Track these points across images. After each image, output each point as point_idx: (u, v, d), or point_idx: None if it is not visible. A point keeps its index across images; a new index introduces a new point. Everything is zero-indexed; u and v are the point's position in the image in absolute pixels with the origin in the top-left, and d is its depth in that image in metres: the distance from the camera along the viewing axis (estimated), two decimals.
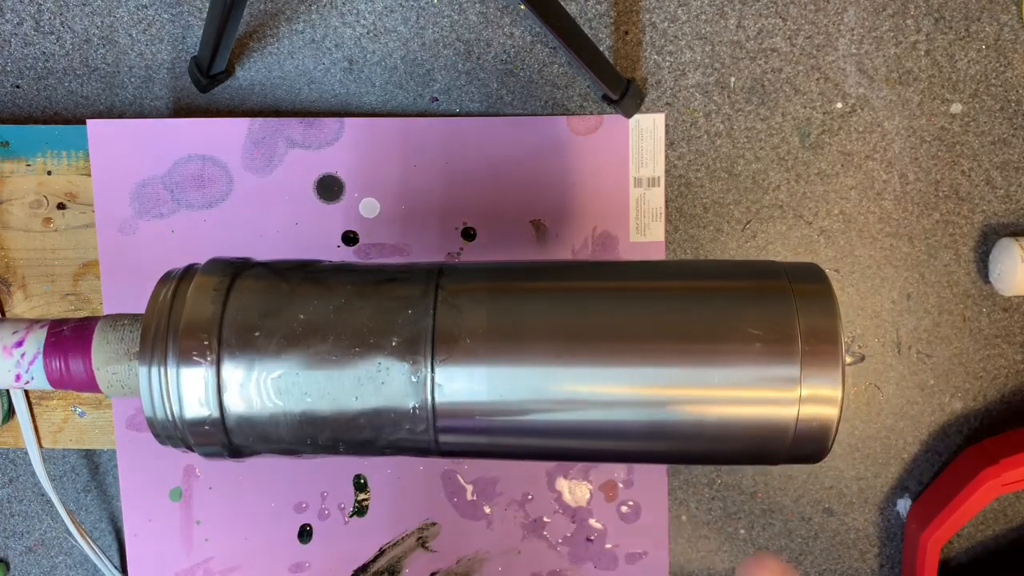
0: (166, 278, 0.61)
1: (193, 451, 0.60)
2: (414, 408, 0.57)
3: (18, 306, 1.02)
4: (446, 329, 0.57)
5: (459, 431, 0.58)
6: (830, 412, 0.56)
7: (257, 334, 0.57)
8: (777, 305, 0.57)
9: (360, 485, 1.04)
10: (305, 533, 1.04)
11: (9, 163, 1.01)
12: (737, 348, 0.56)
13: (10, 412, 1.03)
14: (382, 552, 1.05)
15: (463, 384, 0.57)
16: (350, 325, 0.57)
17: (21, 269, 1.02)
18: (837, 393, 0.55)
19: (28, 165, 1.01)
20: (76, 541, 1.04)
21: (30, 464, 1.06)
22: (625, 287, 0.60)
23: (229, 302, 0.58)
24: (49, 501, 1.08)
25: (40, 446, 1.04)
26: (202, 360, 0.56)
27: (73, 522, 1.03)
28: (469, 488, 1.04)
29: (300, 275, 0.61)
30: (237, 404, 0.57)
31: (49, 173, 1.01)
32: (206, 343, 0.56)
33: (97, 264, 1.01)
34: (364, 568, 1.05)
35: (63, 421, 1.04)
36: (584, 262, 0.66)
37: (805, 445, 0.57)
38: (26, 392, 1.03)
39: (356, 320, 0.57)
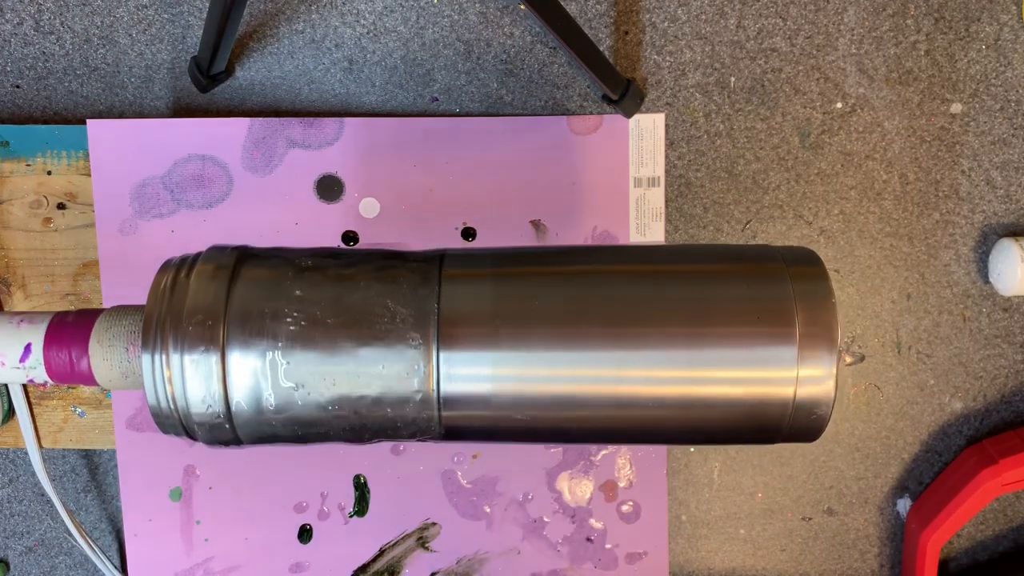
0: (167, 266, 0.61)
1: (196, 439, 0.60)
2: (419, 392, 0.57)
3: (18, 306, 1.02)
4: (451, 314, 0.57)
5: (463, 415, 0.59)
6: (827, 390, 0.57)
7: (261, 320, 0.57)
8: (775, 288, 0.58)
9: (360, 485, 1.04)
10: (305, 533, 1.04)
11: (9, 163, 1.01)
12: (737, 330, 0.57)
13: (10, 412, 1.04)
14: (382, 552, 1.05)
15: (468, 368, 0.57)
16: (354, 311, 0.57)
17: (21, 269, 1.02)
18: (833, 373, 0.56)
19: (28, 165, 1.01)
20: (76, 541, 1.04)
21: (30, 464, 1.06)
22: (626, 271, 0.61)
23: (233, 289, 0.58)
24: (49, 501, 1.08)
25: (40, 446, 1.04)
26: (206, 347, 0.56)
27: (73, 522, 1.03)
28: (469, 488, 1.04)
29: (303, 262, 0.61)
30: (242, 391, 0.57)
31: (49, 173, 1.01)
32: (210, 330, 0.56)
33: (97, 264, 1.01)
34: (364, 568, 1.05)
35: (63, 421, 1.04)
36: (586, 247, 0.67)
37: (802, 423, 0.58)
38: (26, 392, 1.03)
39: (360, 306, 0.58)
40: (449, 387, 0.57)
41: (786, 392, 0.57)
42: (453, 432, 0.60)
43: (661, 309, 0.58)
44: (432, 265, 0.60)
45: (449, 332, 0.57)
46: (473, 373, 0.57)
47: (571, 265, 0.62)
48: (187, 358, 0.56)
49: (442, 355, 0.57)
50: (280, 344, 0.57)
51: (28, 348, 0.62)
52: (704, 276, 0.60)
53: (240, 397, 0.57)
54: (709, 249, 0.66)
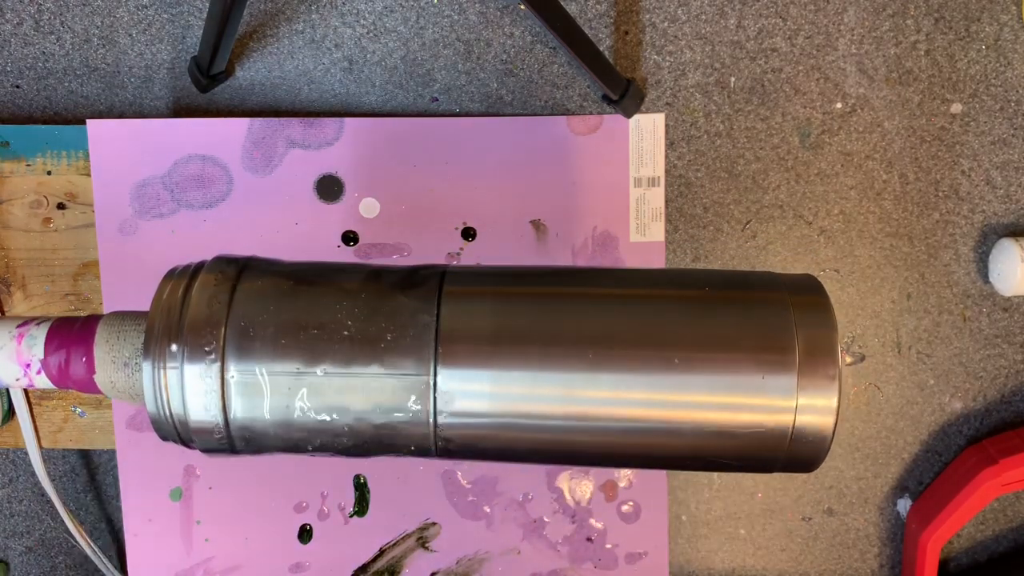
0: (170, 275, 0.61)
1: (194, 447, 0.60)
2: (416, 410, 0.57)
3: (18, 306, 1.02)
4: (450, 332, 0.57)
5: (460, 433, 0.58)
6: (826, 422, 0.56)
7: (261, 334, 0.57)
8: (776, 317, 0.57)
9: (360, 485, 1.04)
10: (305, 533, 1.04)
11: (9, 163, 1.01)
12: (737, 358, 0.56)
13: (10, 412, 1.03)
14: (382, 552, 1.05)
15: (465, 386, 0.57)
16: (353, 327, 0.57)
17: (21, 269, 1.02)
18: (833, 404, 0.56)
19: (28, 165, 1.01)
20: (76, 541, 1.04)
21: (30, 464, 1.06)
22: (628, 295, 0.60)
23: (234, 301, 0.58)
24: (49, 501, 1.08)
25: (40, 446, 1.04)
26: (207, 359, 0.56)
27: (73, 522, 1.03)
28: (469, 488, 1.04)
29: (304, 275, 0.61)
30: (240, 403, 0.57)
31: (49, 173, 1.01)
32: (211, 342, 0.57)
33: (97, 264, 1.01)
34: (364, 568, 1.05)
35: (63, 421, 1.04)
36: (588, 268, 0.67)
37: (800, 454, 0.58)
38: (26, 392, 1.03)
39: (360, 322, 0.58)
40: (446, 404, 0.57)
41: (785, 421, 0.56)
42: (450, 449, 0.60)
43: (661, 333, 0.57)
44: (433, 282, 0.60)
45: (448, 349, 0.57)
46: (471, 390, 0.57)
47: (572, 287, 0.62)
48: (188, 369, 0.57)
49: (440, 372, 0.57)
50: (279, 357, 0.57)
51: (30, 357, 0.62)
52: (706, 301, 0.59)
53: (238, 409, 0.57)
54: (713, 274, 0.65)
